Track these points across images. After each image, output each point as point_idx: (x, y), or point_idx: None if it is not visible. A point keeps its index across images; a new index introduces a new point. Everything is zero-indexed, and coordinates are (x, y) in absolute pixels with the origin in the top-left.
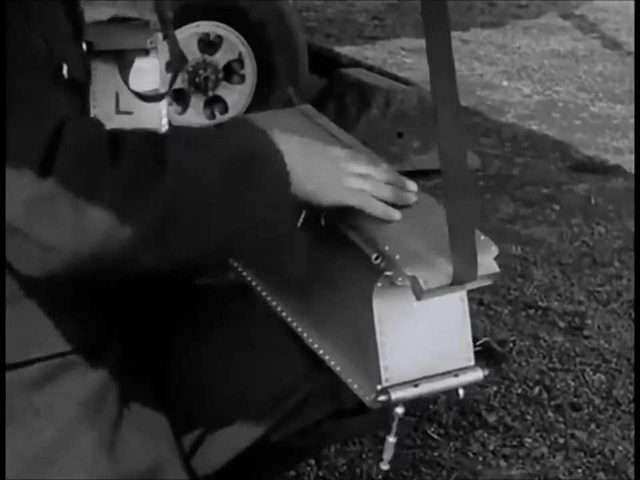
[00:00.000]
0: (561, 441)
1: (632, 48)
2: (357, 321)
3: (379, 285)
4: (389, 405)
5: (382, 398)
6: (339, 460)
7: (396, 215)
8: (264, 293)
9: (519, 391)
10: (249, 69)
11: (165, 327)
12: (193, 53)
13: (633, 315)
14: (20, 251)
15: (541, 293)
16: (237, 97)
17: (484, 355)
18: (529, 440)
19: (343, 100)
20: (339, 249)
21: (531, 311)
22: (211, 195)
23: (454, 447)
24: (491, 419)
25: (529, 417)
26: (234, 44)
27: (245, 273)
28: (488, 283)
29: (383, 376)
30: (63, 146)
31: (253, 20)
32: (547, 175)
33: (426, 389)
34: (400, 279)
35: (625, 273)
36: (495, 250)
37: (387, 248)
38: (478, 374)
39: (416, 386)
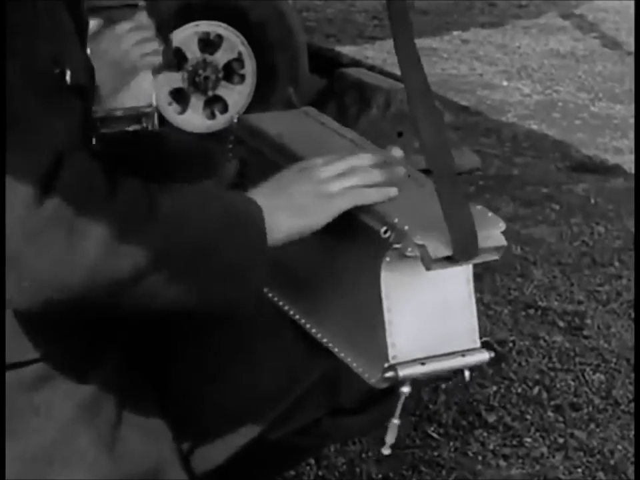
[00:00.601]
0: (561, 440)
1: (632, 48)
2: (362, 299)
3: (387, 259)
4: (396, 383)
5: (389, 375)
6: (338, 459)
7: (392, 191)
8: (272, 296)
9: (519, 390)
10: (249, 69)
11: (163, 325)
12: (192, 52)
13: (633, 314)
14: (7, 280)
15: (541, 293)
16: (236, 96)
17: None
18: (528, 440)
19: (343, 100)
20: (342, 230)
21: (531, 311)
22: (197, 246)
23: (454, 446)
24: (491, 418)
25: (528, 417)
26: (234, 43)
27: None
28: (495, 257)
29: (390, 353)
30: (62, 177)
31: (253, 20)
32: (547, 174)
33: (433, 368)
34: (410, 249)
35: (624, 273)
36: (502, 225)
37: (396, 220)
38: (484, 355)
39: (423, 364)
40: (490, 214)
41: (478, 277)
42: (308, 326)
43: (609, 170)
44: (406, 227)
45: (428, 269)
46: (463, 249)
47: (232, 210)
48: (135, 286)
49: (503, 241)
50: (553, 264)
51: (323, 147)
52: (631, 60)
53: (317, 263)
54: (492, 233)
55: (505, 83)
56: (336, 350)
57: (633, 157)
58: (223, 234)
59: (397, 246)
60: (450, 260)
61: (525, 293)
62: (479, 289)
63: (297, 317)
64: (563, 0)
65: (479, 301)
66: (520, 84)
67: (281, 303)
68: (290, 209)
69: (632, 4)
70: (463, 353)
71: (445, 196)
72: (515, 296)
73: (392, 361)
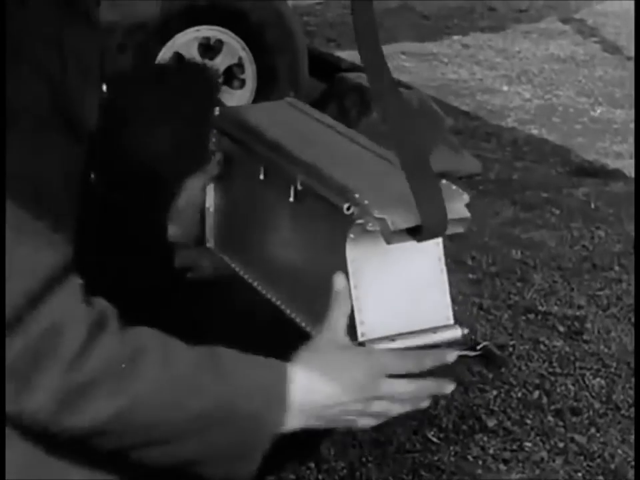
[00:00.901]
0: (561, 445)
1: (632, 52)
2: (331, 277)
3: (352, 236)
4: None
5: None
6: (338, 463)
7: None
8: (246, 275)
9: (519, 395)
10: (249, 73)
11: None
12: (193, 57)
13: (633, 319)
14: None
15: (541, 297)
16: (237, 101)
17: (484, 358)
18: (528, 444)
19: (343, 103)
20: (309, 210)
21: (531, 315)
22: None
23: (454, 450)
24: (491, 422)
25: (528, 421)
26: (234, 48)
27: (225, 258)
28: (460, 230)
29: (359, 330)
30: (29, 323)
31: (253, 24)
32: (547, 179)
33: (403, 344)
34: (370, 224)
35: (624, 277)
36: (466, 197)
37: (357, 196)
38: (457, 332)
39: (393, 340)
40: (454, 187)
41: (477, 282)
42: (282, 307)
43: (609, 174)
44: (366, 202)
45: (388, 242)
46: (432, 224)
47: (236, 400)
48: (93, 442)
49: (466, 213)
50: (553, 268)
51: (305, 138)
52: (631, 64)
53: (288, 244)
54: (456, 206)
55: (505, 88)
56: (313, 332)
57: (633, 161)
58: (211, 425)
59: (360, 221)
60: (412, 233)
61: (525, 297)
62: (478, 294)
63: (272, 298)
64: (563, 4)
65: (479, 306)
66: (520, 88)
67: (255, 284)
68: (318, 418)
69: (632, 8)
70: (434, 330)
71: (413, 174)
72: (515, 300)
73: (361, 339)
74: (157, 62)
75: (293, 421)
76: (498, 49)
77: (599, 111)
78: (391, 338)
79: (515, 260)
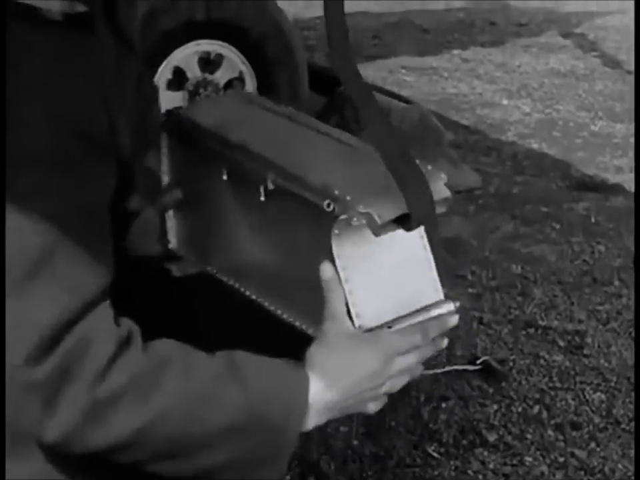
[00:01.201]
0: (561, 459)
1: (632, 66)
2: (318, 271)
3: (336, 231)
4: None
5: None
6: (339, 478)
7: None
8: (227, 280)
9: (519, 409)
10: (250, 88)
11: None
12: (193, 71)
13: (633, 333)
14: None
15: (541, 312)
16: None
17: (484, 373)
18: (529, 459)
19: (343, 117)
20: (289, 211)
21: (531, 330)
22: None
23: (454, 465)
24: (491, 437)
25: (529, 436)
26: (234, 62)
27: (189, 256)
28: (443, 209)
29: (356, 323)
30: (65, 342)
31: (253, 38)
32: (547, 193)
33: (400, 328)
34: (355, 218)
35: (625, 292)
36: (444, 177)
37: (336, 192)
38: (449, 306)
39: (390, 327)
40: (429, 167)
41: (478, 296)
42: (279, 312)
43: (609, 189)
44: (348, 197)
45: (376, 235)
46: (419, 210)
47: (257, 409)
48: (115, 456)
49: (447, 192)
50: (553, 283)
51: (264, 131)
52: (631, 79)
53: (261, 241)
54: (437, 186)
55: (505, 102)
56: (310, 331)
57: (632, 175)
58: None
59: (343, 217)
60: (398, 222)
61: (525, 312)
62: (478, 308)
63: (266, 303)
64: (563, 18)
65: (479, 320)
66: (520, 102)
67: (247, 293)
68: (336, 412)
69: (632, 23)
70: (428, 308)
71: (394, 162)
72: (515, 315)
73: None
74: (156, 76)
75: (313, 420)
76: (498, 63)
77: (599, 125)
78: (387, 325)
79: (515, 274)
